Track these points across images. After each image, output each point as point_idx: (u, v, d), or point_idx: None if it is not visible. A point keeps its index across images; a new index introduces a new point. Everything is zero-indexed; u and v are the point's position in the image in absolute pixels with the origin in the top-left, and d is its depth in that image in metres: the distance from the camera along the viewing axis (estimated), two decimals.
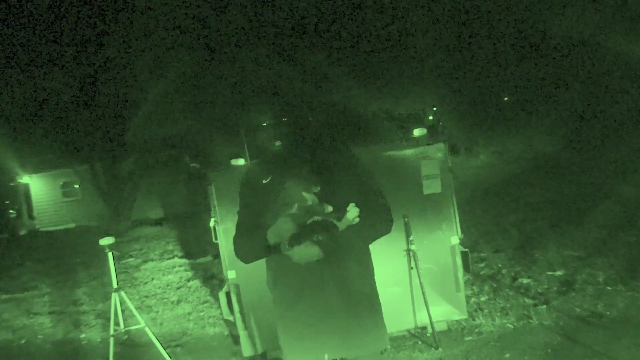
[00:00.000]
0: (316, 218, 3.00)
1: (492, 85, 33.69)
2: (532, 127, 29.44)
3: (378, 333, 3.30)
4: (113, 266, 6.39)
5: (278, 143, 3.23)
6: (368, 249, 3.36)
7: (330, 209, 2.99)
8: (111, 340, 6.35)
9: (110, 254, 6.37)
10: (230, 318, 6.15)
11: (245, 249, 3.31)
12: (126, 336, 7.20)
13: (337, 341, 3.17)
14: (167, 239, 15.81)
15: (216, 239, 5.96)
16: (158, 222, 20.56)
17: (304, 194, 3.02)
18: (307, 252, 3.02)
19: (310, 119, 3.35)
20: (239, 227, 3.37)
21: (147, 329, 6.58)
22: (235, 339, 6.57)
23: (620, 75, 27.16)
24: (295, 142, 3.26)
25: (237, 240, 3.34)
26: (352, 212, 2.99)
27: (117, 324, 6.41)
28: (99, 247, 6.45)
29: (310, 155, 3.26)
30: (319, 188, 3.05)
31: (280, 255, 3.14)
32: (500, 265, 8.61)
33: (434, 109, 33.60)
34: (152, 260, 12.90)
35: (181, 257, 12.71)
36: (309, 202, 3.01)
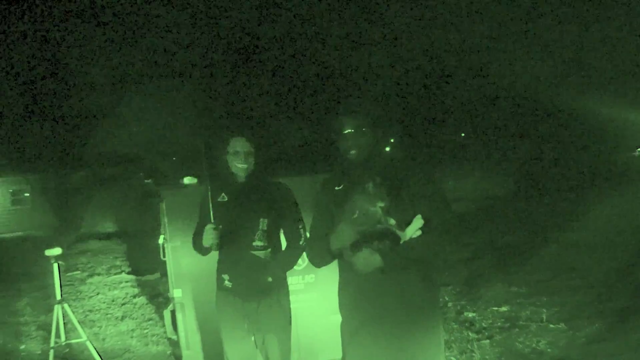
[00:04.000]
0: (379, 226, 2.99)
1: (449, 124, 34.23)
2: (484, 168, 29.95)
3: (432, 351, 3.22)
4: (58, 278, 6.29)
5: (353, 152, 3.22)
6: (433, 263, 3.31)
7: (393, 222, 2.99)
8: (51, 352, 6.25)
9: (55, 265, 6.28)
10: (174, 337, 6.11)
11: (314, 255, 3.48)
12: (67, 350, 7.08)
13: (391, 354, 3.14)
14: (115, 254, 15.64)
15: (164, 256, 5.92)
16: (107, 237, 20.33)
17: (368, 206, 3.00)
18: (368, 259, 3.02)
19: (385, 131, 3.38)
20: (311, 233, 3.55)
21: (88, 344, 6.49)
22: (178, 359, 6.52)
23: (573, 129, 27.97)
24: (370, 153, 3.26)
25: (309, 245, 3.56)
26: (415, 224, 2.98)
27: (58, 336, 6.30)
28: (44, 258, 6.37)
29: (381, 167, 3.24)
30: (384, 203, 3.00)
31: (342, 263, 3.24)
32: (446, 298, 8.68)
33: (391, 140, 33.89)
34: (99, 274, 12.74)
35: (128, 273, 12.57)
36: (372, 212, 2.99)
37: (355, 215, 3.02)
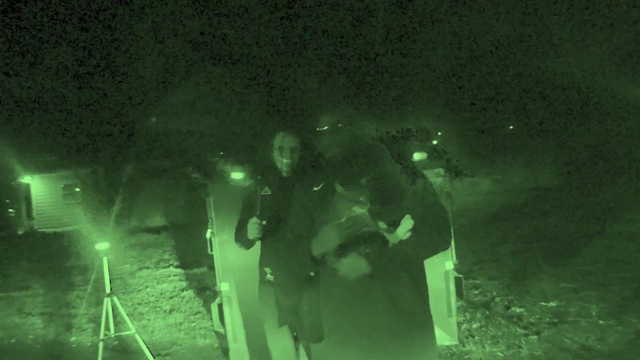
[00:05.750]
0: (365, 229, 2.86)
1: (500, 114, 33.90)
2: (534, 158, 29.55)
3: (427, 354, 3.13)
4: (107, 271, 6.40)
5: (331, 151, 3.09)
6: (422, 266, 3.17)
7: (383, 225, 2.86)
8: (100, 344, 6.35)
9: (105, 259, 6.38)
10: (221, 330, 6.15)
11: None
12: (116, 342, 7.19)
13: None
14: (164, 248, 15.81)
15: (211, 250, 5.95)
16: (156, 231, 20.55)
17: (355, 207, 2.88)
18: (354, 265, 2.88)
19: (366, 129, 3.19)
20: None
21: (137, 336, 6.58)
22: (225, 352, 6.57)
23: (623, 117, 27.44)
24: (352, 151, 3.07)
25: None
26: (405, 226, 2.83)
27: (107, 329, 6.41)
28: (95, 252, 6.47)
29: (366, 166, 3.07)
30: (369, 205, 2.89)
31: (325, 268, 3.09)
32: (494, 293, 8.60)
33: (439, 133, 33.68)
34: (148, 268, 12.90)
35: (176, 267, 12.70)
36: (355, 207, 2.87)
37: (343, 220, 2.88)
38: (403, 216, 2.86)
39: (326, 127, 3.07)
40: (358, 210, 2.87)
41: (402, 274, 3.01)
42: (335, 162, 3.10)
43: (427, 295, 3.22)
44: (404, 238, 2.86)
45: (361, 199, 2.89)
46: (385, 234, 2.87)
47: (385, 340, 3.01)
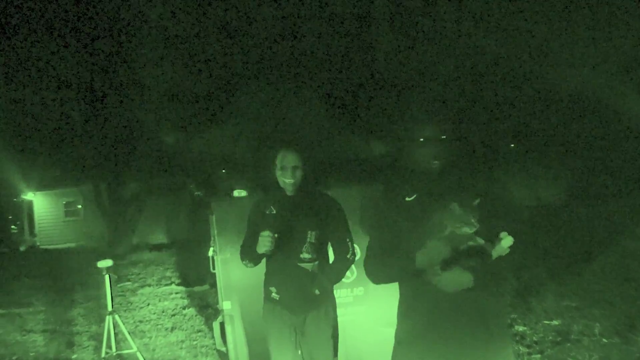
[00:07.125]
0: (471, 243, 2.90)
1: (500, 131, 33.93)
2: (536, 175, 29.54)
3: None
4: (109, 289, 6.39)
5: (435, 162, 3.10)
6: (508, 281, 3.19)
7: (482, 241, 2.88)
8: None
9: (107, 277, 6.37)
10: (223, 349, 6.14)
11: (380, 271, 3.26)
12: None
13: None
14: (165, 265, 15.78)
15: (214, 268, 5.96)
16: (158, 248, 20.52)
17: (465, 228, 2.89)
18: (457, 278, 2.93)
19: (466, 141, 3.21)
20: (372, 247, 3.32)
21: (138, 354, 6.57)
22: None
23: (629, 131, 27.42)
24: (455, 162, 3.13)
25: (371, 260, 3.28)
26: (507, 241, 2.82)
27: (109, 347, 6.39)
28: (97, 269, 6.47)
29: (470, 178, 3.12)
30: (475, 221, 2.89)
31: (418, 282, 3.06)
32: None
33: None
34: (150, 285, 12.87)
35: (178, 285, 12.68)
36: (464, 228, 2.90)
37: (446, 233, 2.91)
38: (498, 232, 2.87)
39: (430, 137, 3.08)
40: (467, 231, 2.89)
41: (493, 289, 3.05)
42: (434, 174, 3.14)
43: (507, 309, 3.24)
44: (503, 254, 2.87)
45: (472, 220, 2.91)
46: (490, 249, 2.88)
47: (469, 353, 3.00)
